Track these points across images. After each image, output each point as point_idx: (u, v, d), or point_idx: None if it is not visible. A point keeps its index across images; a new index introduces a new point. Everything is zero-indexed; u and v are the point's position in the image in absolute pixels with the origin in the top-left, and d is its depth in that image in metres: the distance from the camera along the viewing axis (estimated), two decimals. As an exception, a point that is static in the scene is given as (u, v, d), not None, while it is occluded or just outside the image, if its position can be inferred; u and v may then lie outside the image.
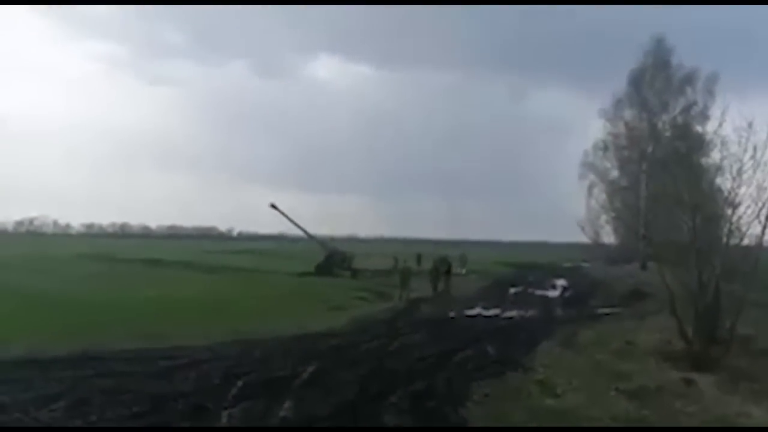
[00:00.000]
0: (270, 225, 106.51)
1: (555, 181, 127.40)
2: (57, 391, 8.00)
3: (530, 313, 19.90)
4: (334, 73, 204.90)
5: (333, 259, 33.88)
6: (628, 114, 48.52)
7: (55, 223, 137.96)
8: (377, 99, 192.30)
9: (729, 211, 12.34)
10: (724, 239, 12.25)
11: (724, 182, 12.84)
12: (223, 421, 7.04)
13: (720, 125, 13.15)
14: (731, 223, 12.12)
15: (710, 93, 43.69)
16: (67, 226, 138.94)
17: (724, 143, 12.62)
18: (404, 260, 27.14)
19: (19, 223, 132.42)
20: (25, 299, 16.73)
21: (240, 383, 8.60)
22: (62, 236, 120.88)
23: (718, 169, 13.30)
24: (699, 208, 12.43)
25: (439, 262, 25.86)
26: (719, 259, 11.86)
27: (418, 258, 30.29)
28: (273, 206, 34.95)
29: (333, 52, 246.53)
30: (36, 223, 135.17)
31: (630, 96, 47.75)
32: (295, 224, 35.90)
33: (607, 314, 19.72)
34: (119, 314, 15.18)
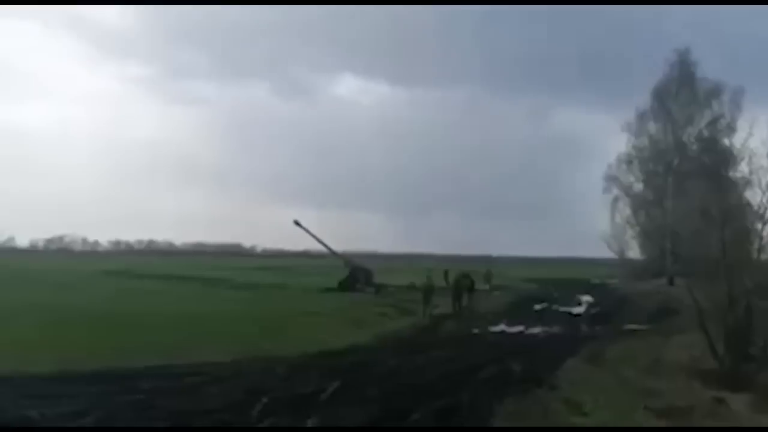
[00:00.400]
0: (294, 242, 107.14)
1: (579, 197, 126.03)
2: (84, 407, 8.10)
3: (555, 329, 19.64)
4: (355, 91, 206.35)
5: (356, 276, 33.90)
6: (653, 127, 48.02)
7: (84, 241, 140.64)
8: (398, 117, 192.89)
9: (759, 226, 12.11)
10: (755, 254, 12.00)
11: (753, 196, 12.63)
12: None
13: (748, 138, 12.98)
14: (761, 238, 11.88)
15: (737, 106, 43.15)
16: (96, 243, 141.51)
17: (752, 156, 12.45)
18: (429, 277, 26.87)
19: (50, 241, 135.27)
20: (52, 315, 17.02)
21: (265, 400, 8.61)
22: (90, 253, 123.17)
23: (747, 182, 13.09)
24: (728, 223, 12.22)
25: (461, 279, 25.67)
26: (750, 274, 11.61)
27: (446, 274, 30.22)
28: (297, 223, 35.23)
29: (354, 71, 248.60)
30: (66, 240, 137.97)
31: (654, 109, 47.27)
32: (319, 240, 36.15)
33: (635, 331, 19.37)
34: (144, 330, 15.34)
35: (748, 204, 13.76)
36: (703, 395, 9.98)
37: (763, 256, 12.02)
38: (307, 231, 35.45)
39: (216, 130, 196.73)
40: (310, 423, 7.57)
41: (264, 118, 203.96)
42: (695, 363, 12.19)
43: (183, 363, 11.64)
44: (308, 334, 16.40)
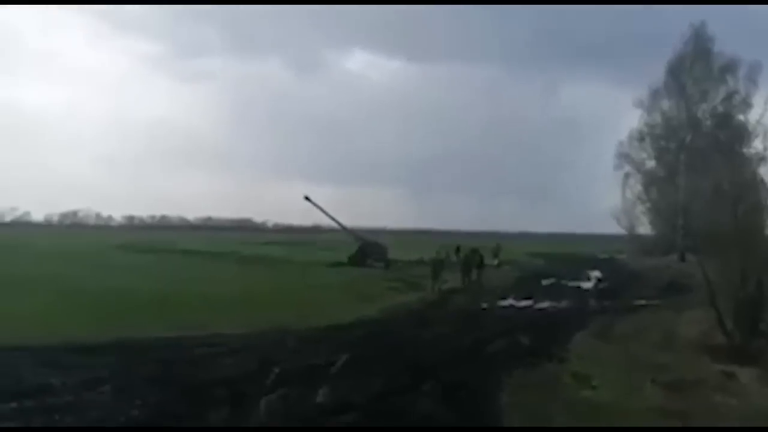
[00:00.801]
0: (304, 217, 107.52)
1: (590, 173, 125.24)
2: (102, 376, 8.30)
3: (564, 304, 19.69)
4: (367, 67, 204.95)
5: (366, 250, 34.02)
6: (666, 104, 47.39)
7: (98, 216, 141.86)
8: (410, 93, 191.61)
9: (772, 201, 12.02)
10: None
11: (767, 172, 12.51)
12: (262, 407, 7.19)
13: (763, 114, 12.81)
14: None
15: (753, 82, 42.44)
16: (109, 218, 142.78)
17: (767, 132, 12.28)
18: (446, 252, 26.95)
19: (64, 216, 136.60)
20: (67, 289, 17.27)
21: (276, 370, 8.75)
22: (104, 228, 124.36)
23: (761, 159, 12.96)
24: (740, 198, 12.13)
25: (470, 254, 25.73)
26: (762, 250, 11.55)
27: (457, 249, 30.33)
28: (307, 198, 35.26)
29: (367, 47, 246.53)
30: (80, 215, 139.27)
31: (668, 85, 46.59)
32: (329, 216, 36.19)
33: (644, 306, 19.38)
34: (157, 303, 15.55)
35: (762, 180, 13.65)
36: (711, 369, 10.03)
37: (776, 232, 11.96)
38: (317, 206, 35.50)
39: (227, 107, 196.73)
40: (320, 393, 7.70)
41: (276, 94, 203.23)
42: (705, 338, 12.22)
43: (195, 335, 11.82)
44: (318, 307, 16.56)
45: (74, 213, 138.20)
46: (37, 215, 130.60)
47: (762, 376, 9.53)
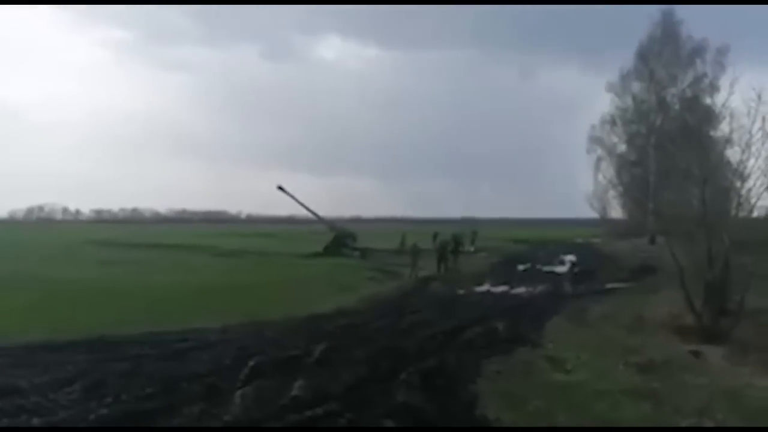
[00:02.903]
0: (279, 208, 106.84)
1: (564, 158, 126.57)
2: (73, 375, 8.14)
3: (539, 289, 19.94)
4: (343, 54, 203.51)
5: (341, 240, 33.98)
6: (636, 87, 48.03)
7: (65, 210, 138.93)
8: (386, 80, 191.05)
9: (738, 184, 12.28)
10: (734, 212, 12.20)
11: (733, 154, 12.78)
12: (236, 400, 7.14)
13: (729, 97, 13.06)
14: (740, 196, 12.07)
15: (720, 65, 43.10)
16: (77, 212, 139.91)
17: (733, 115, 12.55)
18: (415, 240, 27.08)
19: (30, 211, 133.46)
20: (38, 287, 16.92)
21: (252, 363, 8.70)
22: (72, 222, 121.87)
23: (727, 141, 13.21)
24: (708, 181, 12.37)
25: (446, 241, 25.89)
26: (729, 231, 11.82)
27: (434, 237, 30.60)
28: (280, 188, 35.03)
29: (342, 34, 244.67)
30: (46, 209, 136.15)
31: (638, 69, 47.19)
32: (303, 206, 36.02)
33: (617, 289, 19.75)
34: (131, 299, 15.35)
35: (728, 162, 13.91)
36: (680, 349, 10.28)
37: (742, 214, 12.22)
38: (291, 196, 35.31)
39: (200, 95, 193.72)
40: (297, 384, 7.67)
41: (250, 83, 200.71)
42: (674, 319, 12.51)
43: (170, 330, 11.67)
44: (294, 298, 16.50)
45: (40, 207, 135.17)
46: (1, 211, 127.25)
47: (728, 355, 9.80)
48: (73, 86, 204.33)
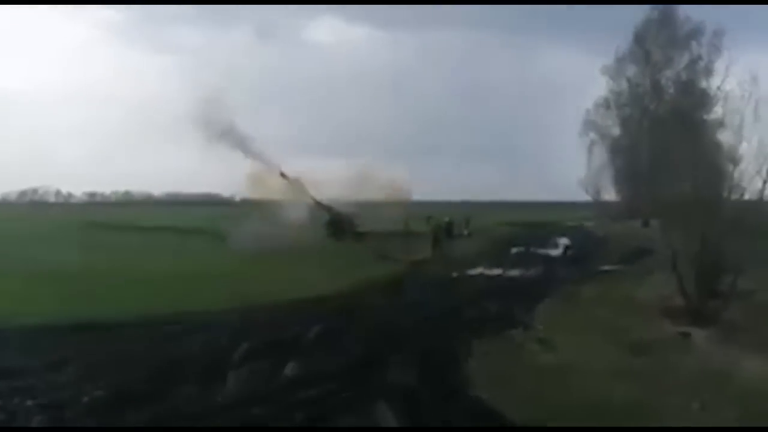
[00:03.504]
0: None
1: (559, 141, 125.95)
2: (67, 357, 8.17)
3: (532, 272, 20.03)
4: (337, 35, 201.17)
5: (336, 223, 33.79)
6: (631, 70, 47.78)
7: (58, 193, 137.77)
8: (382, 61, 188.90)
9: (731, 167, 12.29)
10: (726, 195, 12.22)
11: (726, 138, 12.76)
12: (230, 381, 7.19)
13: (723, 80, 13.02)
14: (732, 179, 12.08)
15: (716, 48, 42.89)
16: (70, 195, 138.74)
17: (726, 98, 12.48)
18: (408, 223, 27.06)
19: (23, 194, 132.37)
20: (30, 270, 16.87)
21: (246, 345, 8.75)
22: (65, 205, 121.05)
23: (720, 124, 13.19)
24: (701, 165, 12.38)
25: (440, 224, 25.90)
26: (721, 214, 11.85)
27: (428, 220, 30.51)
28: (282, 175, 34.45)
29: (336, 14, 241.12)
30: (39, 192, 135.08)
31: (634, 52, 46.88)
32: (302, 191, 35.62)
33: (609, 272, 19.86)
34: (124, 282, 15.32)
35: (721, 146, 13.89)
36: (669, 330, 10.39)
37: (734, 197, 12.24)
38: (293, 183, 34.83)
39: (193, 77, 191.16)
40: (291, 365, 7.73)
41: (244, 64, 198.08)
42: (665, 301, 12.60)
43: (165, 312, 11.68)
44: (290, 281, 16.47)
45: (34, 190, 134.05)
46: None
47: (716, 336, 9.91)
48: (62, 68, 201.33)
